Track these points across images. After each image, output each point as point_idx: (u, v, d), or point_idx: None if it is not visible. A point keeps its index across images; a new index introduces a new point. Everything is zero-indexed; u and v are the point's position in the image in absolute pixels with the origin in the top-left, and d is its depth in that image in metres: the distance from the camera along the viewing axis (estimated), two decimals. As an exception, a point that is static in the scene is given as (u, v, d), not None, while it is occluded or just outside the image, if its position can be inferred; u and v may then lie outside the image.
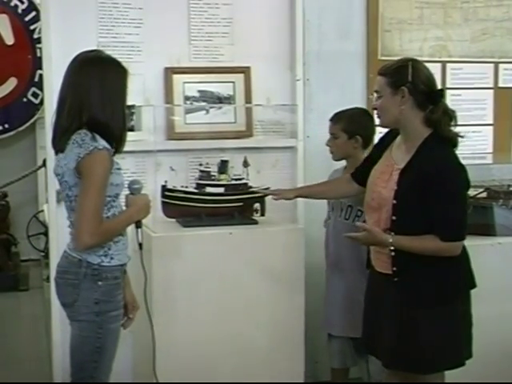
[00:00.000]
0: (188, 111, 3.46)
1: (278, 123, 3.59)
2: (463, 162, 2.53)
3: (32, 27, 6.23)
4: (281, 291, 3.15)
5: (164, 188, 3.14)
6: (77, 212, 2.35)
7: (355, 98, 3.62)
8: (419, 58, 2.68)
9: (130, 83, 2.48)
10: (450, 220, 2.48)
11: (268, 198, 3.15)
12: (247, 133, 3.54)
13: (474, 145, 3.93)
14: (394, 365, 2.61)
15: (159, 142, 3.33)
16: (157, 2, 3.40)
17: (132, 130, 3.24)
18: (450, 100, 3.36)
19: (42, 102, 5.13)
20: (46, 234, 5.57)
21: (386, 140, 2.74)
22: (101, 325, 2.39)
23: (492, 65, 4.03)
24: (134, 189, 2.52)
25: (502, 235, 3.42)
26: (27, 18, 6.26)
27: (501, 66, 4.04)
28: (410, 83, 2.52)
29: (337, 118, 3.15)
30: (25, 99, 6.40)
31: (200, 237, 3.08)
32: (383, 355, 2.64)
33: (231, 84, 3.53)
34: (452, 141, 2.56)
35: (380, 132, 2.94)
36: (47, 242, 4.80)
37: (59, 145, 2.40)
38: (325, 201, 3.26)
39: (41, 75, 4.43)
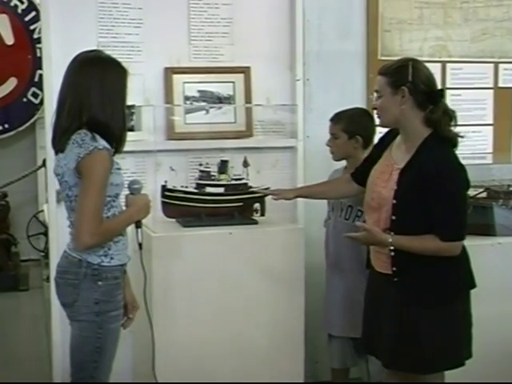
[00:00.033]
0: (188, 111, 3.46)
1: (277, 123, 3.59)
2: (463, 161, 2.53)
3: (32, 27, 6.23)
4: (281, 291, 3.15)
5: (164, 188, 3.14)
6: (77, 212, 2.35)
7: (355, 98, 3.62)
8: (419, 58, 2.68)
9: (130, 83, 2.48)
10: (450, 220, 2.48)
11: (268, 198, 3.15)
12: (247, 133, 3.54)
13: (474, 145, 3.93)
14: (394, 365, 2.60)
15: (159, 141, 3.33)
16: (157, 1, 3.40)
17: (132, 130, 3.24)
18: (450, 100, 3.36)
19: (41, 102, 5.13)
20: (45, 233, 5.56)
21: (386, 140, 2.74)
22: (101, 325, 2.39)
23: (492, 65, 4.03)
24: (134, 189, 2.52)
25: (501, 235, 3.42)
26: (27, 18, 6.26)
27: (501, 65, 4.04)
28: (411, 83, 2.52)
29: (337, 119, 3.15)
30: (25, 99, 6.40)
31: (200, 237, 3.08)
32: (383, 355, 2.63)
33: (231, 84, 3.53)
34: (452, 141, 2.56)
35: (380, 132, 2.94)
36: (47, 242, 4.80)
37: (59, 145, 2.40)
38: (325, 201, 3.26)
39: (41, 75, 4.43)
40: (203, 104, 3.48)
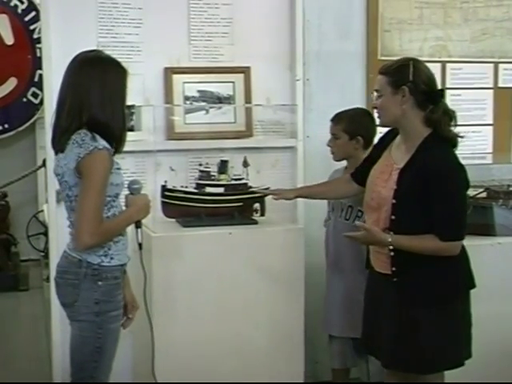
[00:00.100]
0: (188, 111, 3.46)
1: (277, 123, 3.59)
2: (463, 161, 2.53)
3: (32, 27, 6.22)
4: (280, 291, 3.15)
5: (164, 188, 3.14)
6: (77, 212, 2.35)
7: (355, 98, 3.62)
8: (419, 58, 2.68)
9: (130, 83, 2.48)
10: (450, 220, 2.48)
11: (268, 198, 3.15)
12: (247, 133, 3.54)
13: (474, 145, 3.93)
14: (394, 365, 2.60)
15: (159, 141, 3.33)
16: (156, 1, 3.40)
17: (132, 130, 3.24)
18: (450, 100, 3.36)
19: (41, 102, 5.13)
20: (45, 234, 5.56)
21: (386, 140, 2.74)
22: (101, 325, 2.39)
23: (492, 65, 4.03)
24: (134, 189, 2.52)
25: (501, 235, 3.42)
26: (27, 18, 6.25)
27: (501, 65, 4.04)
28: (411, 83, 2.52)
29: (338, 119, 3.15)
30: (25, 99, 6.40)
31: (200, 237, 3.08)
32: (383, 355, 2.63)
33: (231, 84, 3.53)
34: (452, 141, 2.56)
35: (380, 132, 2.94)
36: (47, 242, 4.79)
37: (59, 145, 2.40)
38: (325, 201, 3.26)
39: (41, 75, 4.42)
40: (203, 104, 3.48)
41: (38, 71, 5.94)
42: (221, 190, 3.16)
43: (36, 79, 6.18)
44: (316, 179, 3.20)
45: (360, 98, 3.69)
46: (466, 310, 2.60)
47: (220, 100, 3.52)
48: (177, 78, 3.44)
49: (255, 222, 3.21)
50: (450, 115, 2.56)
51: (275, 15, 3.57)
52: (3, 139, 6.43)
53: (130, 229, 2.53)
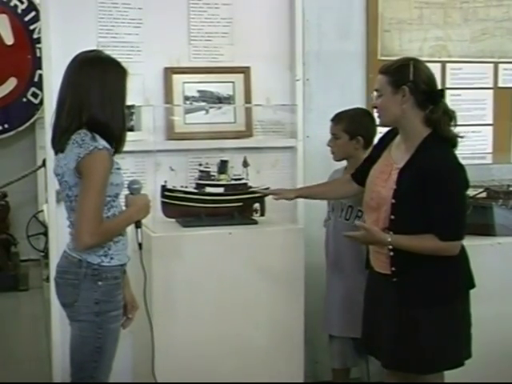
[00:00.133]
0: (188, 111, 3.46)
1: (277, 123, 3.59)
2: (463, 161, 2.53)
3: (32, 27, 6.23)
4: (280, 291, 3.15)
5: (164, 188, 3.14)
6: (77, 212, 2.35)
7: (355, 98, 3.62)
8: (419, 58, 2.68)
9: (130, 83, 2.48)
10: (449, 219, 2.48)
11: (268, 198, 3.15)
12: (247, 133, 3.54)
13: (474, 145, 3.93)
14: (394, 365, 2.60)
15: (159, 141, 3.33)
16: (156, 1, 3.40)
17: (132, 130, 3.24)
18: (450, 100, 3.35)
19: (41, 102, 5.13)
20: (45, 234, 5.56)
21: (386, 140, 2.74)
22: (101, 325, 2.39)
23: (492, 65, 4.03)
24: (134, 189, 2.52)
25: (501, 235, 3.42)
26: (27, 18, 6.26)
27: (500, 66, 4.04)
28: (411, 82, 2.52)
29: (338, 119, 3.15)
30: (24, 99, 6.40)
31: (200, 237, 3.08)
32: (382, 355, 2.63)
33: (231, 84, 3.53)
34: (451, 141, 2.56)
35: (380, 132, 2.94)
36: (47, 242, 4.79)
37: (59, 145, 2.40)
38: (325, 201, 3.26)
39: (40, 75, 4.43)
40: (203, 104, 3.48)
41: (38, 71, 5.94)
42: (221, 190, 3.16)
43: (36, 79, 6.18)
44: (316, 179, 3.20)
45: (360, 97, 3.69)
46: (465, 309, 2.60)
47: (220, 100, 3.52)
48: (177, 78, 3.44)
49: (255, 222, 3.21)
50: (449, 115, 2.56)
51: (275, 15, 3.57)
52: (3, 139, 6.43)
53: (130, 229, 2.53)
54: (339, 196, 3.07)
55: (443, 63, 3.91)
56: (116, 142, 2.43)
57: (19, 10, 6.26)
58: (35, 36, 6.12)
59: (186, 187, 3.19)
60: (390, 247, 2.53)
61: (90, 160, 2.30)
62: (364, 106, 3.51)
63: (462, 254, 2.58)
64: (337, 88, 3.69)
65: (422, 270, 2.52)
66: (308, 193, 3.11)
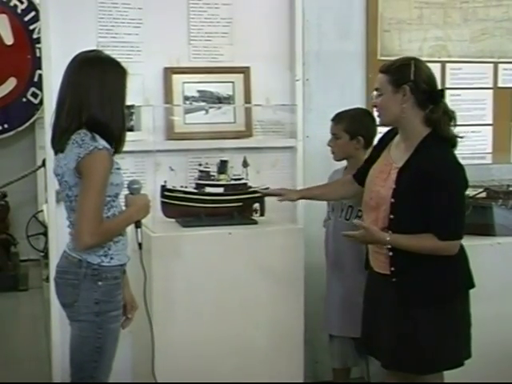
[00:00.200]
0: (187, 111, 3.46)
1: (277, 123, 3.59)
2: (463, 161, 2.53)
3: (31, 27, 6.23)
4: (280, 291, 3.15)
5: (163, 188, 3.14)
6: (77, 212, 2.35)
7: (355, 98, 3.62)
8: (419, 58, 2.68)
9: (130, 83, 2.48)
10: (448, 219, 2.48)
11: (268, 198, 3.15)
12: (247, 133, 3.54)
13: (474, 145, 3.93)
14: (393, 365, 2.60)
15: (159, 141, 3.33)
16: (156, 2, 3.40)
17: (131, 130, 3.24)
18: (450, 100, 3.35)
19: (41, 102, 5.13)
20: (45, 234, 5.56)
21: (385, 140, 2.74)
22: (101, 325, 2.39)
23: (491, 65, 4.03)
24: (134, 189, 2.52)
25: (501, 235, 3.42)
26: (27, 18, 6.26)
27: (500, 66, 4.04)
28: (412, 82, 2.52)
29: (339, 118, 3.14)
30: (24, 99, 6.40)
31: (199, 237, 3.08)
32: (382, 356, 2.63)
33: (231, 84, 3.53)
34: (451, 141, 2.56)
35: (380, 132, 2.94)
36: (47, 242, 4.79)
37: (59, 145, 2.40)
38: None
39: (40, 75, 4.43)
40: (203, 104, 3.48)
41: (38, 71, 5.94)
42: (220, 190, 3.16)
43: (36, 79, 6.18)
44: (315, 179, 3.20)
45: (360, 97, 3.69)
46: (465, 309, 2.60)
47: (220, 100, 3.52)
48: (176, 78, 3.44)
49: (255, 222, 3.21)
50: (449, 115, 2.56)
51: (275, 15, 3.57)
52: (3, 139, 6.43)
53: (130, 229, 2.53)
54: (342, 197, 3.06)
55: (443, 63, 3.91)
56: (116, 142, 2.43)
57: (19, 10, 6.26)
58: (35, 36, 6.12)
59: (186, 187, 3.19)
60: (389, 247, 2.53)
61: (90, 160, 2.30)
62: (364, 106, 3.51)
63: (462, 254, 2.58)
64: (337, 88, 3.69)
65: (421, 269, 2.52)
66: (311, 194, 3.10)
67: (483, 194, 3.57)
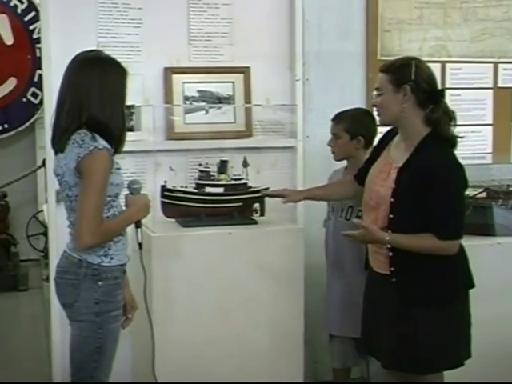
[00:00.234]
0: (187, 111, 3.46)
1: (277, 123, 3.59)
2: (463, 162, 2.53)
3: (31, 27, 6.23)
4: (280, 291, 3.15)
5: (163, 188, 3.14)
6: (77, 212, 2.35)
7: (355, 98, 3.62)
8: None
9: (130, 83, 2.48)
10: (448, 219, 2.48)
11: (268, 198, 3.15)
12: (247, 133, 3.54)
13: (474, 145, 3.93)
14: (393, 365, 2.60)
15: (159, 142, 3.33)
16: (156, 2, 3.40)
17: (131, 130, 3.24)
18: (450, 100, 3.34)
19: (41, 102, 5.13)
20: (45, 234, 5.56)
21: (385, 140, 2.74)
22: (101, 325, 2.39)
23: (491, 65, 4.03)
24: (134, 189, 2.52)
25: (501, 235, 3.42)
26: (27, 18, 6.25)
27: (500, 65, 4.04)
28: (413, 82, 2.51)
29: (339, 118, 3.15)
30: (24, 99, 6.40)
31: (199, 237, 3.08)
32: (382, 356, 2.63)
33: (231, 84, 3.53)
34: (451, 141, 2.56)
35: (380, 132, 2.94)
36: (47, 242, 4.79)
37: (59, 145, 2.40)
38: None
39: (40, 75, 4.43)
40: (203, 104, 3.48)
41: (38, 71, 5.94)
42: (220, 190, 3.16)
43: (36, 79, 6.18)
44: (316, 179, 3.20)
45: (360, 97, 3.69)
46: (465, 309, 2.60)
47: (220, 100, 3.52)
48: (176, 78, 3.44)
49: (255, 222, 3.21)
50: (449, 115, 2.56)
51: (275, 15, 3.57)
52: (3, 139, 6.43)
53: (130, 229, 2.53)
54: (345, 197, 3.04)
55: (443, 63, 3.91)
56: (116, 142, 2.43)
57: (19, 10, 6.26)
58: (35, 36, 6.12)
59: (186, 187, 3.19)
60: (389, 247, 2.53)
61: (90, 160, 2.30)
62: (364, 106, 3.52)
63: (461, 254, 2.58)
64: (337, 88, 3.69)
65: (421, 269, 2.52)
66: (314, 195, 3.08)
67: (483, 194, 3.57)
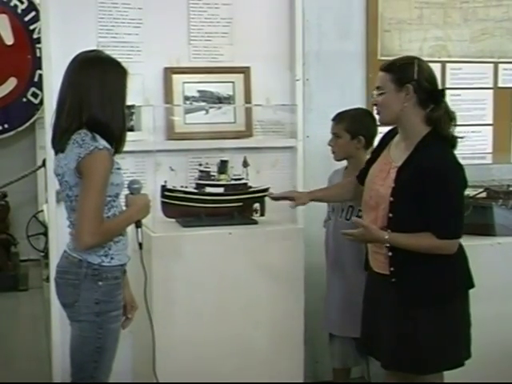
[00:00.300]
0: (188, 111, 3.46)
1: (277, 123, 3.59)
2: (463, 161, 2.53)
3: (32, 27, 6.23)
4: (280, 291, 3.15)
5: (164, 188, 3.14)
6: (77, 212, 2.35)
7: (355, 98, 3.62)
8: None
9: (130, 83, 2.48)
10: (447, 218, 2.48)
11: (267, 198, 3.15)
12: (247, 133, 3.54)
13: (474, 145, 3.93)
14: (393, 365, 2.60)
15: (159, 142, 3.33)
16: (156, 2, 3.40)
17: (132, 130, 3.25)
18: (450, 100, 3.32)
19: (41, 102, 5.13)
20: (45, 234, 5.56)
21: (386, 139, 2.73)
22: (101, 325, 2.39)
23: (491, 65, 4.03)
24: (134, 189, 2.52)
25: (501, 235, 3.42)
26: (27, 18, 6.26)
27: (500, 65, 4.04)
28: (416, 81, 2.51)
29: (339, 118, 3.15)
30: (24, 99, 6.40)
31: (200, 237, 3.08)
32: (382, 356, 2.63)
33: (231, 84, 3.53)
34: (451, 141, 2.56)
35: (380, 132, 2.94)
36: (47, 242, 4.79)
37: (59, 145, 2.40)
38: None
39: (40, 75, 4.43)
40: (203, 104, 3.49)
41: (38, 71, 5.94)
42: (221, 190, 3.17)
43: (36, 79, 6.18)
44: (316, 179, 3.20)
45: (360, 97, 3.69)
46: (465, 309, 2.60)
47: (220, 100, 3.52)
48: (176, 78, 3.44)
49: (255, 222, 3.21)
50: (450, 115, 2.56)
51: (275, 15, 3.57)
52: (3, 139, 6.44)
53: (130, 229, 2.53)
54: (350, 198, 3.01)
55: (443, 63, 3.91)
56: (116, 142, 2.43)
57: (19, 10, 6.26)
58: (35, 36, 6.12)
59: (186, 187, 3.19)
60: (389, 247, 2.53)
61: (91, 160, 2.30)
62: (364, 105, 3.52)
63: (461, 254, 2.58)
64: (337, 88, 3.69)
65: (420, 270, 2.52)
66: (321, 196, 3.06)
67: (483, 194, 3.57)
